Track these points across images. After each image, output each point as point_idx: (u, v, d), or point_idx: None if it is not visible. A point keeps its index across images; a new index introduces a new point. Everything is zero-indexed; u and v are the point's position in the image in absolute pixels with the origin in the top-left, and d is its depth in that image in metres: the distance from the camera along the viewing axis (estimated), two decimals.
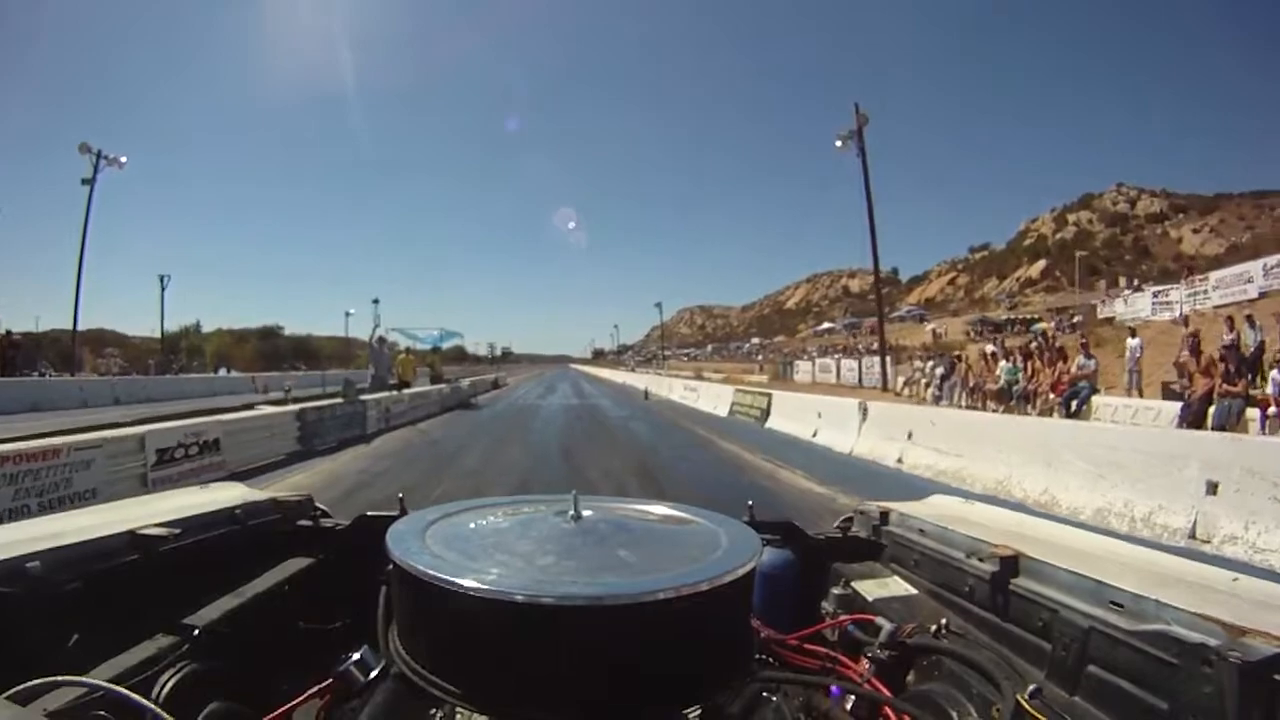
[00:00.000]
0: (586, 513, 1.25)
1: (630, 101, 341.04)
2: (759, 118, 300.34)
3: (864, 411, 13.19)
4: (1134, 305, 35.20)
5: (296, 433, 12.49)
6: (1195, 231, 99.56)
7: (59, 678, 1.07)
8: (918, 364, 31.84)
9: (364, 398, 16.17)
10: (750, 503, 2.02)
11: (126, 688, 1.11)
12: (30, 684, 1.03)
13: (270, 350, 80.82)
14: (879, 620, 1.59)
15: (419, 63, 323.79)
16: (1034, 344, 23.18)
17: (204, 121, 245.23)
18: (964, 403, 22.96)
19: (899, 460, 11.62)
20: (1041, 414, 18.59)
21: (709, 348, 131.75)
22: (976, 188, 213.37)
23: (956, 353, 28.62)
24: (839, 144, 36.67)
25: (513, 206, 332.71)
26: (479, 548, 1.14)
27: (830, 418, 14.53)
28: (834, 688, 1.43)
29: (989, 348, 26.00)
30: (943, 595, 1.76)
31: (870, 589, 1.84)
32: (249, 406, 14.03)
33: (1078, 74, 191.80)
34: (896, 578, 1.94)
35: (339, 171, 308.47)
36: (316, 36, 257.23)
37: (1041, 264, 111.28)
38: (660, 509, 1.43)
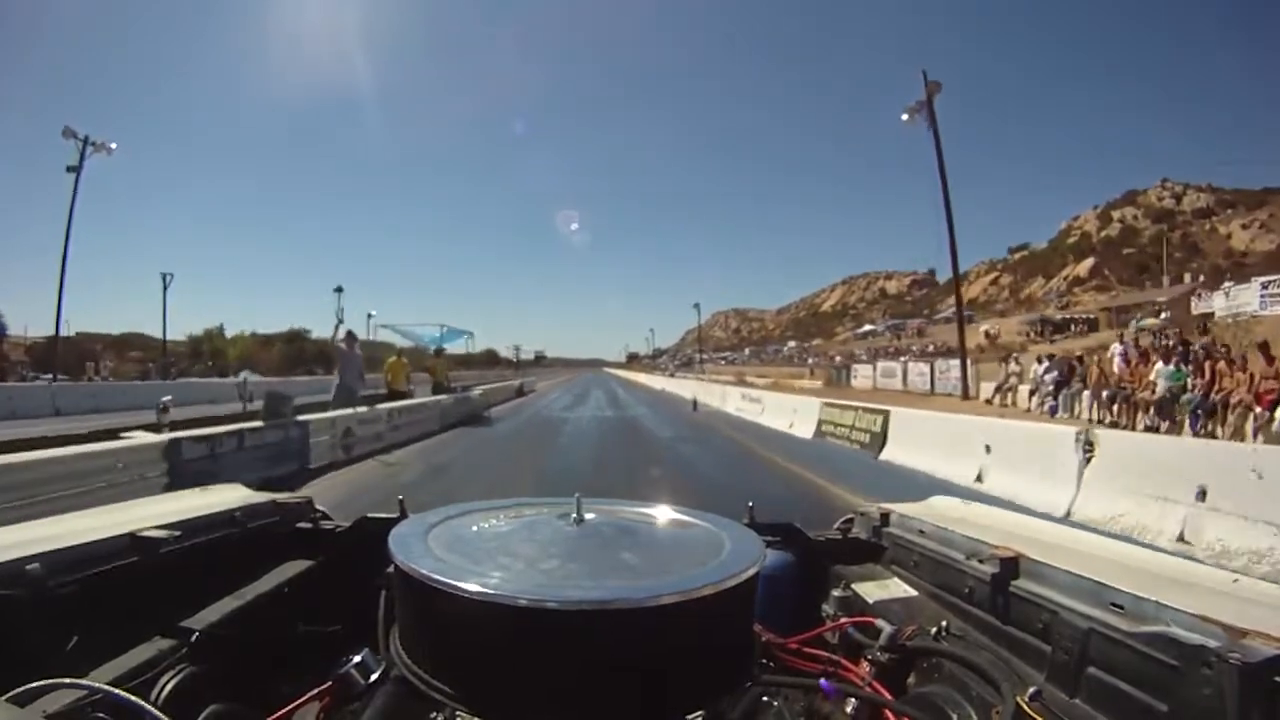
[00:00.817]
0: (589, 516, 1.23)
1: (664, 108, 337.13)
2: (792, 121, 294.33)
3: (1086, 447, 7.75)
4: (1236, 299, 31.42)
5: (165, 479, 7.45)
6: (1244, 227, 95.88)
7: (58, 680, 1.05)
8: (1012, 367, 26.20)
9: (309, 418, 11.07)
10: (750, 503, 1.96)
11: (126, 690, 1.09)
12: (29, 686, 1.01)
13: (295, 354, 79.80)
14: (879, 622, 1.54)
15: (453, 63, 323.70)
16: (1201, 340, 17.85)
17: (235, 129, 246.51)
18: (1096, 416, 17.63)
19: (1181, 538, 6.34)
20: (1236, 435, 13.11)
21: (746, 351, 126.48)
22: (1011, 187, 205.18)
23: (1078, 353, 23.06)
24: (905, 118, 32.20)
25: (541, 213, 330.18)
26: (482, 551, 1.12)
27: (1009, 453, 9.08)
28: (824, 683, 1.36)
29: (1116, 346, 20.66)
30: (943, 597, 1.72)
31: (870, 591, 1.79)
32: (112, 434, 8.98)
33: (1113, 71, 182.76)
34: (897, 579, 1.89)
35: (372, 178, 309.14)
36: (355, 45, 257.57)
37: (1089, 262, 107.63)
38: (663, 512, 1.40)
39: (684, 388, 38.11)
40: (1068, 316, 65.97)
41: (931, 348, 55.07)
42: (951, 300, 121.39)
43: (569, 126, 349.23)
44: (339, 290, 37.66)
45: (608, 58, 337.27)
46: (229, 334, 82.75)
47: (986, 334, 64.33)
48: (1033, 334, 59.57)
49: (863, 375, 40.47)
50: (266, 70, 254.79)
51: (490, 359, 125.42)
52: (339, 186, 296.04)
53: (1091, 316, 64.66)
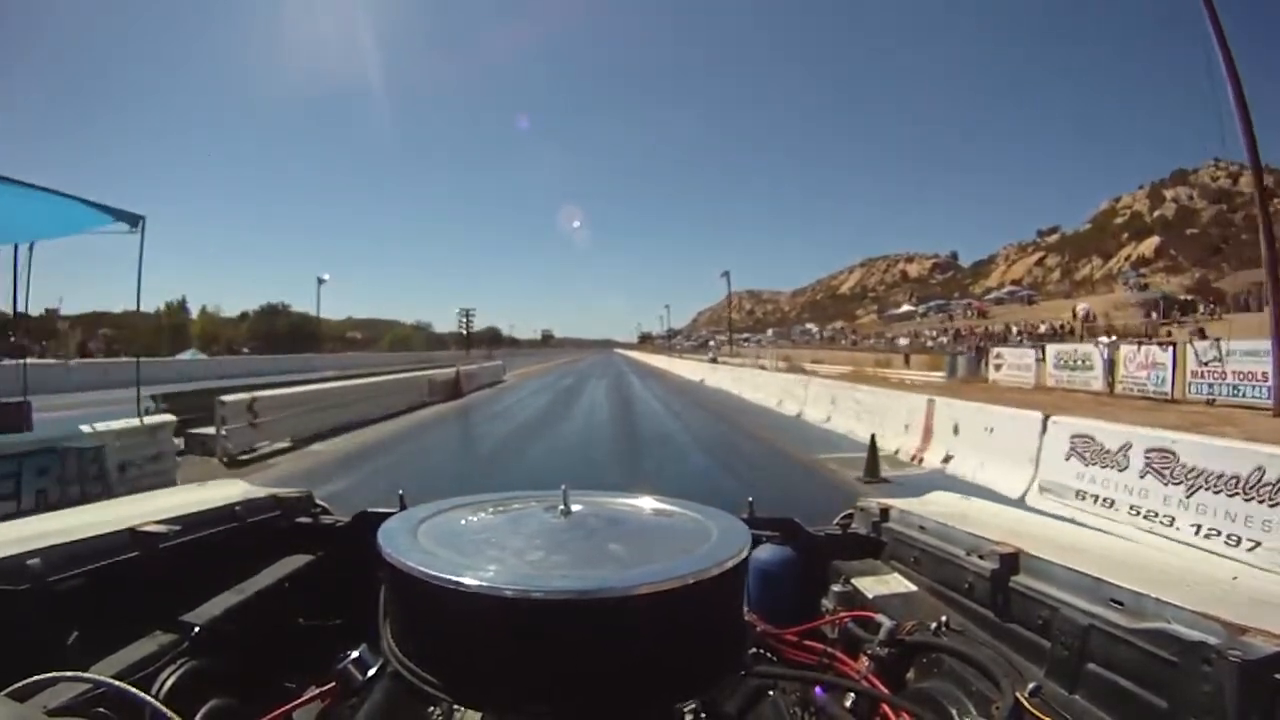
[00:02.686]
0: (576, 507, 1.19)
1: (675, 91, 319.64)
2: (807, 104, 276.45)
3: None
4: None
5: None
6: None
7: (59, 674, 1.01)
8: None
9: None
10: (751, 499, 1.93)
11: (127, 684, 1.05)
12: (30, 680, 0.97)
13: (265, 330, 67.47)
14: (879, 617, 1.51)
15: (465, 40, 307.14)
16: None
17: (242, 106, 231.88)
18: None
19: None
20: None
21: (769, 332, 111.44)
22: (1028, 172, 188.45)
23: None
24: None
25: (554, 197, 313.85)
26: (470, 544, 1.07)
27: None
28: (818, 689, 1.36)
29: None
30: (943, 592, 1.67)
31: (870, 586, 1.74)
32: None
33: (1137, 54, 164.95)
34: (897, 575, 1.83)
35: (386, 164, 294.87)
36: (357, 28, 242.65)
37: (1154, 241, 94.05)
38: (650, 502, 1.32)
39: (758, 384, 21.43)
40: (1189, 298, 52.11)
41: (1045, 327, 39.98)
42: (987, 282, 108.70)
43: (580, 110, 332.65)
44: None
45: (619, 40, 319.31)
46: (209, 310, 73.78)
47: (1076, 313, 50.20)
48: (1155, 315, 45.62)
49: (1013, 365, 25.46)
50: (270, 57, 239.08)
51: (493, 338, 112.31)
52: (354, 175, 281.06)
53: (1190, 298, 52.06)
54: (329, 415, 12.51)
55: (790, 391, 17.65)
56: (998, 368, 26.29)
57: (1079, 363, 22.26)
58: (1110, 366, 20.84)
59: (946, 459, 8.86)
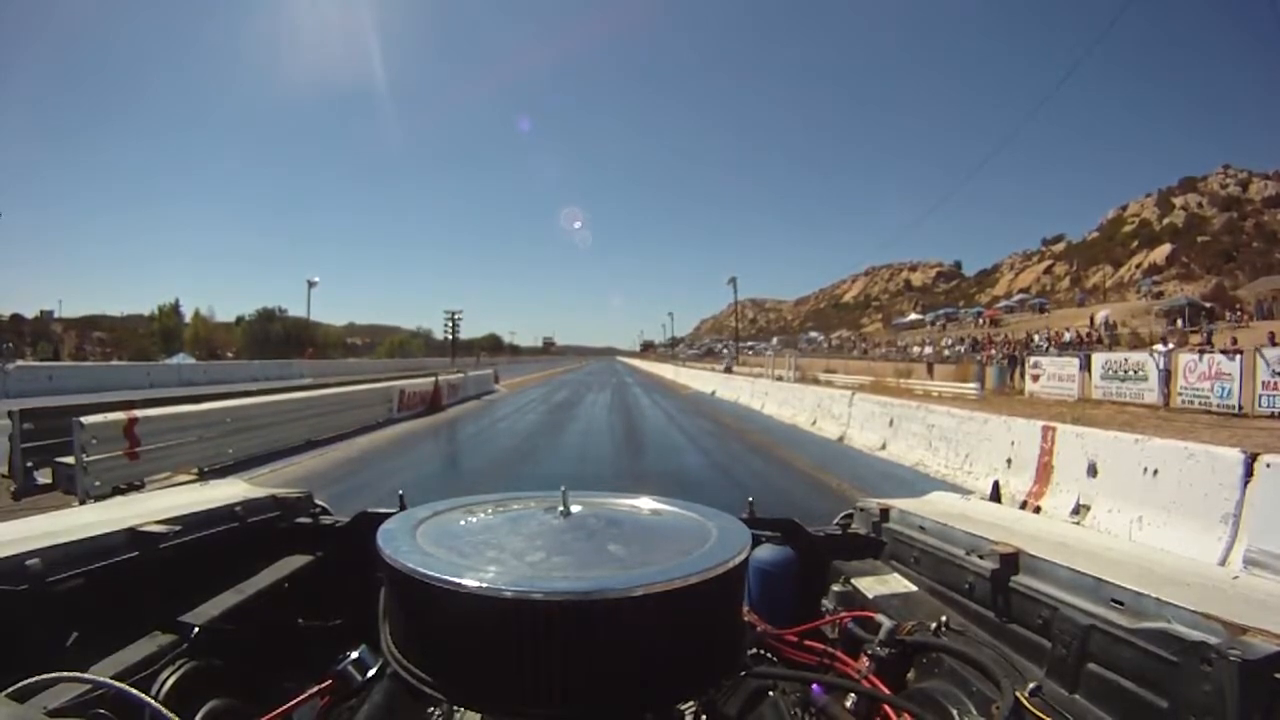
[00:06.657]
0: (576, 508, 1.17)
1: (675, 98, 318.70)
2: (806, 114, 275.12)
3: None
4: None
5: None
6: None
7: (59, 674, 1.00)
8: None
9: None
10: (750, 499, 1.89)
11: (127, 685, 1.03)
12: (29, 681, 0.96)
13: (260, 335, 65.54)
14: (879, 617, 1.48)
15: (466, 46, 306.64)
16: None
17: (242, 109, 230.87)
18: None
19: None
20: None
21: (774, 340, 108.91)
22: (1025, 180, 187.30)
23: None
24: None
25: (559, 208, 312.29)
26: (469, 545, 1.05)
27: None
28: (815, 686, 1.33)
29: None
30: (943, 592, 1.64)
31: (870, 586, 1.71)
32: None
33: (1138, 62, 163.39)
34: (897, 575, 1.79)
35: (380, 168, 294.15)
36: (359, 32, 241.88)
37: (1166, 248, 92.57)
38: (650, 503, 1.30)
39: (783, 403, 18.57)
40: (1211, 305, 50.01)
41: (1071, 335, 37.73)
42: (994, 291, 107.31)
43: (582, 117, 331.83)
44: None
45: (624, 46, 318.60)
46: (202, 314, 71.92)
47: (1093, 320, 47.78)
48: (1181, 322, 43.49)
49: (1053, 375, 23.40)
50: (271, 62, 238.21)
51: (494, 345, 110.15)
52: (355, 182, 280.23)
53: (1210, 305, 49.61)
54: (251, 438, 10.30)
55: (826, 409, 15.20)
56: (1035, 378, 24.31)
57: (1130, 373, 20.22)
58: (1167, 377, 18.82)
59: (1079, 509, 6.53)
